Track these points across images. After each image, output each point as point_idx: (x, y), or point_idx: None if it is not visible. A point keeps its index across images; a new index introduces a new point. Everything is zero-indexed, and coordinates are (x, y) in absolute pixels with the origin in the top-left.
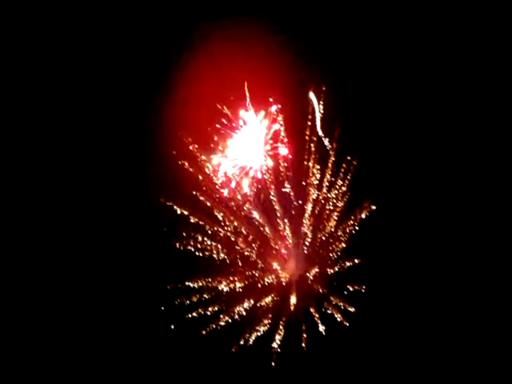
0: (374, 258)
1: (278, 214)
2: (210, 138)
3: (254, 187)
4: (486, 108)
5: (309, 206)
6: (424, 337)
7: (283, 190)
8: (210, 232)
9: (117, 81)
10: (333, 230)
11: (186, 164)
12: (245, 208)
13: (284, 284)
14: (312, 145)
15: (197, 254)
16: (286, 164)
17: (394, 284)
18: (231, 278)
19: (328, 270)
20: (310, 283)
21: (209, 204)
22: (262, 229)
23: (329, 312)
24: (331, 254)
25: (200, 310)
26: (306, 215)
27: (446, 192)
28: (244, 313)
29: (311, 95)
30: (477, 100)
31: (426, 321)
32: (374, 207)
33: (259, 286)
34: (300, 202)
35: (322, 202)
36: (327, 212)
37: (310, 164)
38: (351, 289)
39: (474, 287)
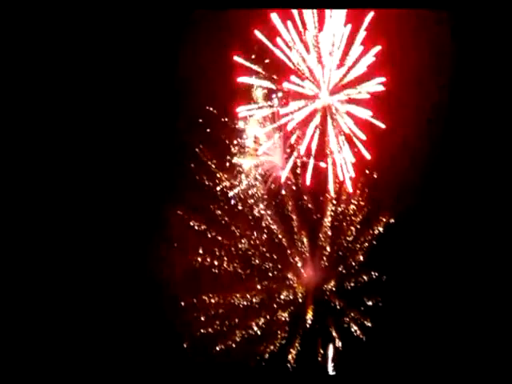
0: (392, 271)
1: (296, 229)
2: (228, 149)
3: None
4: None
5: (326, 219)
6: (442, 352)
7: (301, 202)
8: (226, 246)
9: (133, 90)
10: (350, 244)
11: (204, 178)
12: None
13: (300, 298)
14: (330, 157)
15: (213, 268)
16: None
17: (412, 298)
18: (247, 294)
19: (345, 283)
20: (327, 297)
21: (227, 219)
22: (278, 241)
23: (345, 326)
24: (349, 268)
25: (216, 325)
26: (324, 228)
27: (466, 205)
28: (260, 327)
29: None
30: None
31: (444, 335)
32: (392, 221)
33: (275, 300)
34: (318, 214)
35: (340, 216)
36: (345, 225)
37: (329, 177)
38: (369, 303)
39: (494, 299)
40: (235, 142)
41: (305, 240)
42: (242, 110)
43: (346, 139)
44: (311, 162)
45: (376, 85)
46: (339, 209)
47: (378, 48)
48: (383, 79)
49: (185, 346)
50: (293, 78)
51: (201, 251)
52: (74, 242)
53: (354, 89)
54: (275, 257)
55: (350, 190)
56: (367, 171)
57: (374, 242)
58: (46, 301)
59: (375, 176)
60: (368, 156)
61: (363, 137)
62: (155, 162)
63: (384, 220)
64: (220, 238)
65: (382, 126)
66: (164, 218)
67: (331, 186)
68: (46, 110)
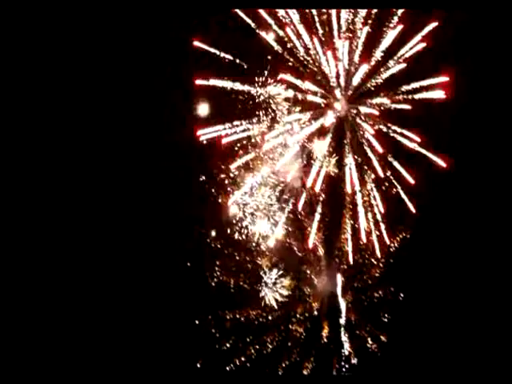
0: (408, 287)
1: (312, 243)
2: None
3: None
4: None
5: (343, 235)
6: (459, 369)
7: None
8: (241, 262)
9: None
10: (367, 259)
11: (219, 192)
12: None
13: (316, 313)
14: (349, 172)
15: (228, 284)
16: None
17: (429, 313)
18: (263, 310)
19: (361, 298)
20: (343, 312)
21: (243, 237)
22: (294, 256)
23: (360, 341)
24: (365, 283)
25: (231, 342)
26: (340, 243)
27: (486, 224)
28: (275, 343)
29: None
30: None
31: (461, 353)
32: (408, 236)
33: (291, 315)
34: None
35: (357, 231)
36: (362, 241)
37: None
38: (385, 319)
39: None
40: (251, 153)
41: (321, 255)
42: (203, 133)
43: (377, 185)
44: (315, 220)
45: (427, 90)
46: (356, 225)
47: (431, 26)
48: (444, 79)
49: (200, 362)
50: (287, 76)
51: (217, 268)
52: (96, 263)
53: (387, 96)
54: (291, 272)
55: (379, 255)
56: (384, 187)
57: (391, 260)
58: (55, 309)
59: (393, 192)
60: (413, 210)
61: (411, 180)
62: (169, 177)
63: (401, 236)
64: (236, 254)
65: (443, 164)
66: (179, 235)
67: (350, 256)
68: (43, 113)
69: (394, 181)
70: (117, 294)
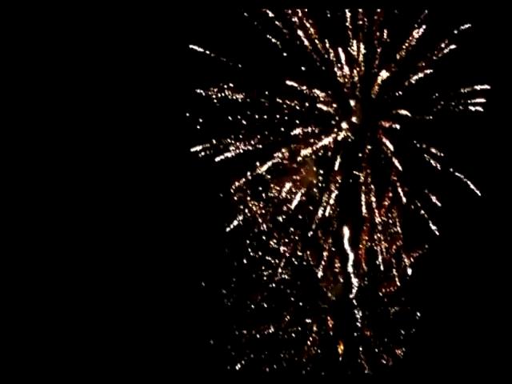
0: (425, 303)
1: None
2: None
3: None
4: None
5: (359, 251)
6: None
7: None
8: (256, 278)
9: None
10: (383, 274)
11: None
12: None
13: (331, 331)
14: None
15: (243, 301)
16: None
17: (449, 329)
18: (278, 326)
19: (377, 314)
20: (359, 328)
21: (260, 254)
22: (308, 270)
23: (376, 356)
24: (381, 299)
25: (245, 358)
26: (357, 257)
27: (506, 241)
28: (289, 360)
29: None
30: None
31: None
32: (427, 253)
33: (306, 331)
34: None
35: (374, 246)
36: (378, 255)
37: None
38: (401, 336)
39: None
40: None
41: (338, 271)
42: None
43: (395, 202)
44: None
45: (459, 100)
46: (373, 244)
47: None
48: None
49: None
50: (297, 84)
51: (232, 285)
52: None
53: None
54: (306, 288)
55: (396, 272)
56: (402, 204)
57: (407, 277)
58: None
59: (412, 208)
60: (435, 229)
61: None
62: (183, 194)
63: (418, 252)
64: (250, 270)
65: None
66: (192, 251)
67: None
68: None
69: (416, 201)
70: (130, 314)
